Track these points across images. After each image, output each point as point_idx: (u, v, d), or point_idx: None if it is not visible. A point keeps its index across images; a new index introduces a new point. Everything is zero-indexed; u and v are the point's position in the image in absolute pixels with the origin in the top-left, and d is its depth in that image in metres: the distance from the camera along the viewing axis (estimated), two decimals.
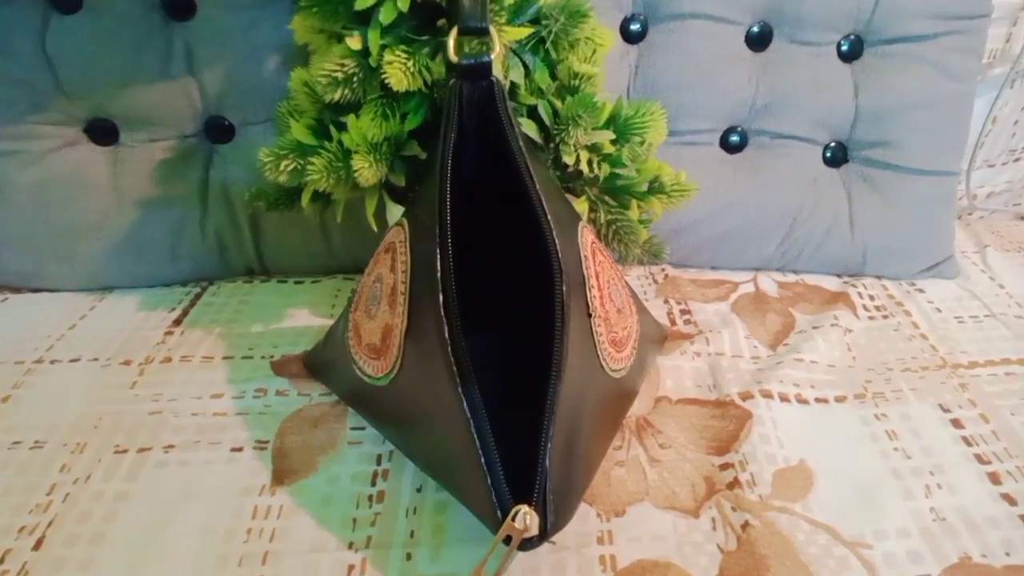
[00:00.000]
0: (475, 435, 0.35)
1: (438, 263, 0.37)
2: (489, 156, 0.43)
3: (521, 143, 0.41)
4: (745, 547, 0.42)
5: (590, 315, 0.41)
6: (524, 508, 0.34)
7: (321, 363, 0.54)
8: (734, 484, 0.46)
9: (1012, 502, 0.46)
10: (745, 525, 0.44)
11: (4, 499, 0.45)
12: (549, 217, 0.39)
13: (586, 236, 0.45)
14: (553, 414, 0.36)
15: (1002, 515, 0.45)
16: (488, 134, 0.42)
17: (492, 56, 0.42)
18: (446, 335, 0.36)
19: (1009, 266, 0.74)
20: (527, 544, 0.35)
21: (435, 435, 0.42)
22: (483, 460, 0.35)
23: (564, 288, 0.38)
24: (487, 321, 0.42)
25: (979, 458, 0.50)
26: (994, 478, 0.48)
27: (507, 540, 0.34)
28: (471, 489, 0.39)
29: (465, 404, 0.36)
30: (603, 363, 0.43)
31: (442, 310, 0.37)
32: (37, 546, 0.42)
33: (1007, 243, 0.80)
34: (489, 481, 0.35)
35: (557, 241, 0.38)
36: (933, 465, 0.49)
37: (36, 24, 0.60)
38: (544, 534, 0.35)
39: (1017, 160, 0.87)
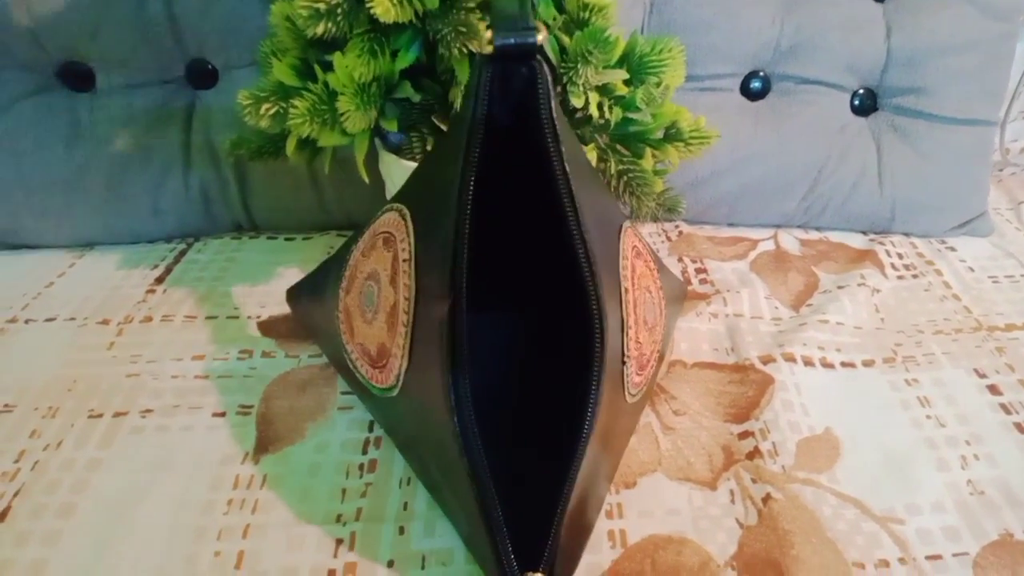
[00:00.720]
0: (481, 509, 0.32)
1: (445, 335, 0.31)
2: (520, 155, 0.33)
3: (565, 159, 0.31)
4: (767, 522, 0.39)
5: (624, 362, 0.36)
6: None
7: (309, 319, 0.50)
8: (754, 454, 0.43)
9: None
10: (767, 498, 0.40)
11: None
12: (595, 267, 0.31)
13: (627, 248, 0.38)
14: (573, 485, 0.32)
15: None
16: (522, 133, 0.32)
17: (540, 37, 0.30)
18: (455, 416, 0.31)
19: None
20: None
21: (428, 459, 0.39)
22: (489, 538, 0.32)
23: (602, 354, 0.32)
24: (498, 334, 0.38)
25: (1019, 427, 0.46)
26: None
27: None
28: (467, 527, 0.36)
29: (472, 480, 0.31)
30: (627, 396, 0.38)
31: (451, 392, 0.31)
32: (2, 517, 0.39)
33: None
34: (493, 549, 0.32)
35: (602, 301, 0.31)
36: (969, 434, 0.45)
37: None
38: None
39: None
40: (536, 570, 0.31)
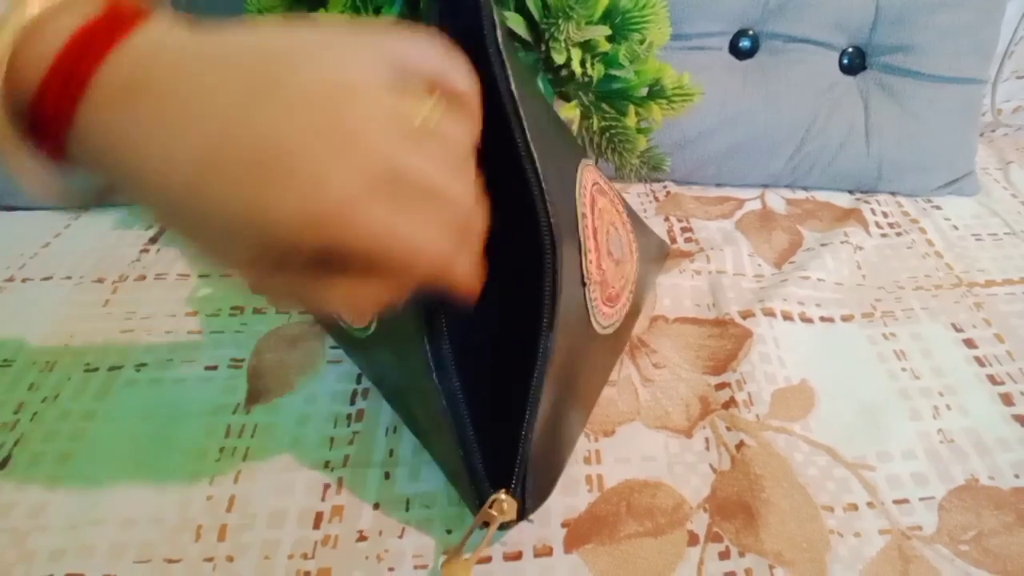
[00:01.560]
0: (453, 425, 0.33)
1: None
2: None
3: (511, 81, 0.32)
4: (739, 467, 0.40)
5: (584, 284, 0.37)
6: (502, 495, 0.33)
7: None
8: (730, 404, 0.44)
9: None
10: (740, 445, 0.41)
11: None
12: (542, 181, 0.32)
13: (586, 180, 0.40)
14: (537, 403, 0.33)
15: (1013, 437, 0.43)
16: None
17: None
18: (421, 329, 0.33)
19: None
20: (504, 526, 0.34)
21: (413, 405, 0.40)
22: (461, 453, 0.33)
23: (555, 267, 0.32)
24: None
25: (992, 379, 0.47)
26: (1007, 399, 0.45)
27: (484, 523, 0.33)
28: (451, 464, 0.37)
29: (443, 397, 0.33)
30: (595, 325, 0.39)
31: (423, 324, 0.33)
32: (3, 465, 0.40)
33: None
34: (467, 471, 0.34)
35: (550, 210, 0.32)
36: (943, 386, 0.46)
37: None
38: (522, 515, 0.34)
39: None
40: (507, 489, 0.33)
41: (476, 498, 0.34)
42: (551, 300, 0.32)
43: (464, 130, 0.25)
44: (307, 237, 0.21)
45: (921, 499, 0.40)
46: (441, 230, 0.23)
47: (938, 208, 0.65)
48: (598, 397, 0.44)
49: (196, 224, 0.23)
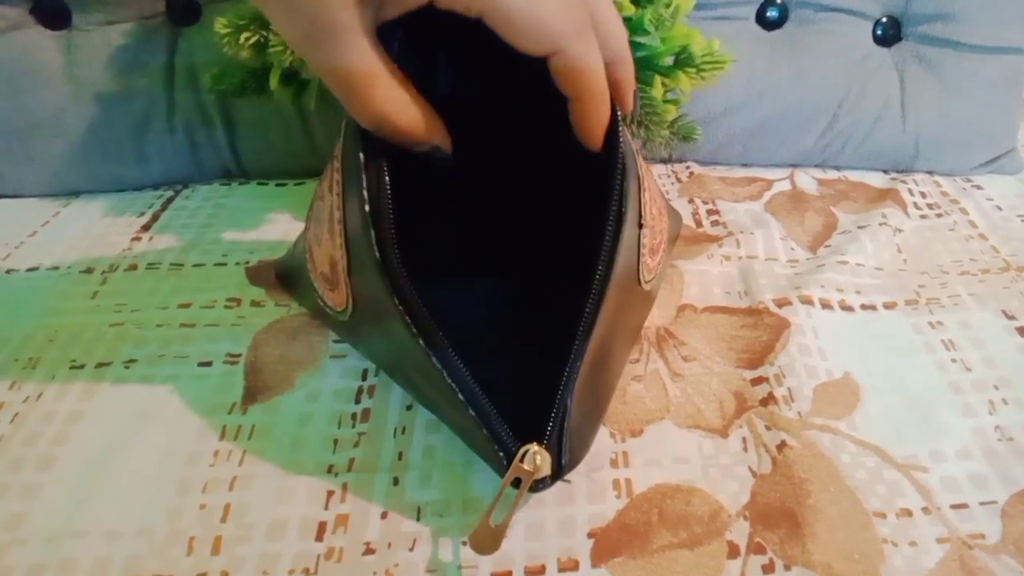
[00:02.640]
0: (456, 388, 0.30)
1: (364, 186, 0.29)
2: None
3: None
4: (781, 470, 0.37)
5: (641, 225, 0.34)
6: (533, 447, 0.29)
7: (289, 279, 0.48)
8: (768, 400, 0.41)
9: None
10: (781, 446, 0.38)
11: None
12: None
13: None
14: (585, 346, 0.30)
15: None
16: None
17: None
18: (390, 286, 0.29)
19: None
20: (539, 485, 0.30)
21: (413, 379, 0.37)
22: (471, 411, 0.30)
23: (624, 187, 0.30)
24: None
25: None
26: None
27: (516, 483, 0.30)
28: (469, 432, 0.34)
29: (435, 359, 0.30)
30: (641, 278, 0.37)
31: (377, 252, 0.29)
32: None
33: None
34: (484, 429, 0.30)
35: (623, 139, 0.31)
36: (998, 378, 0.43)
37: None
38: (557, 474, 0.30)
39: None
40: (540, 442, 0.30)
41: (504, 454, 0.30)
42: (616, 223, 0.30)
43: None
44: None
45: (981, 504, 0.36)
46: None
47: (979, 188, 0.61)
48: (628, 356, 0.41)
49: None
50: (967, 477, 0.37)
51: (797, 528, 0.34)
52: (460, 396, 0.30)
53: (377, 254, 0.29)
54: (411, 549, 0.34)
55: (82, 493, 0.36)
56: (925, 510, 0.36)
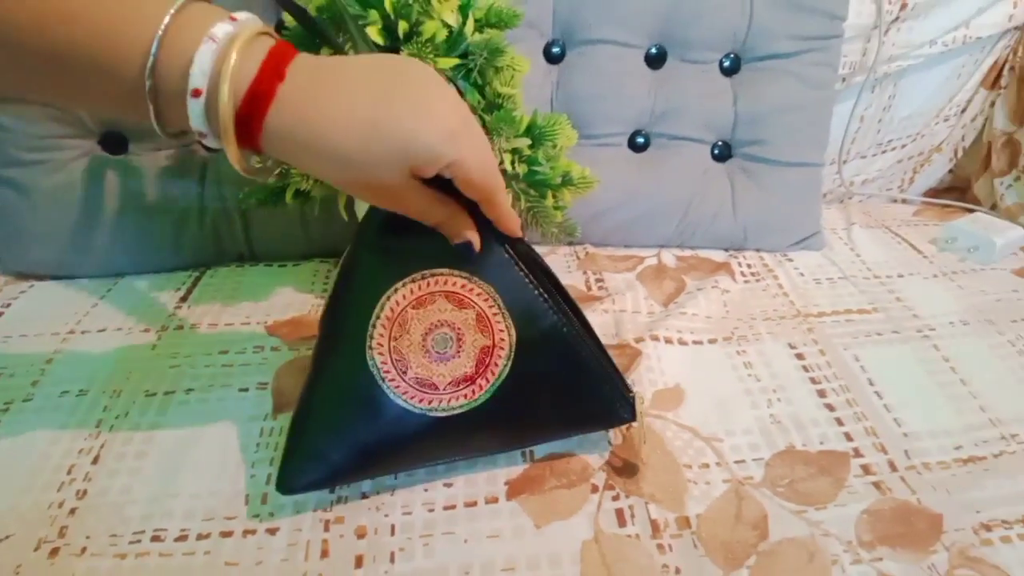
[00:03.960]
0: (591, 350, 0.52)
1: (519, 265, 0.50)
2: None
3: None
4: (628, 442, 0.58)
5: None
6: (637, 394, 0.54)
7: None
8: None
9: (831, 409, 0.62)
10: (628, 427, 0.59)
11: (63, 432, 0.58)
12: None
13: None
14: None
15: (822, 418, 0.61)
16: None
17: None
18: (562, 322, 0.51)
19: (868, 239, 0.91)
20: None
21: (546, 388, 0.52)
22: (606, 386, 0.53)
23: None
24: None
25: (813, 380, 0.66)
26: (821, 393, 0.64)
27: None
28: (595, 400, 0.53)
29: (576, 333, 0.51)
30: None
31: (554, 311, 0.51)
32: (95, 461, 0.55)
33: (872, 221, 0.97)
34: (616, 382, 0.53)
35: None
36: (777, 385, 0.65)
37: None
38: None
39: (884, 152, 1.05)
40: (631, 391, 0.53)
41: (631, 403, 0.53)
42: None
43: None
44: (441, 151, 0.40)
45: (754, 460, 0.57)
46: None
47: (791, 260, 0.85)
48: None
49: (366, 163, 0.39)
50: (747, 445, 0.59)
51: (634, 475, 0.55)
52: (595, 350, 0.52)
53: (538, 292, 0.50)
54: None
55: (170, 472, 0.54)
56: (718, 464, 0.57)
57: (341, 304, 0.51)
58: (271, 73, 0.38)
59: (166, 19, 0.36)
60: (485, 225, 0.48)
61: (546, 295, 0.50)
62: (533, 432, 0.55)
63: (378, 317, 0.49)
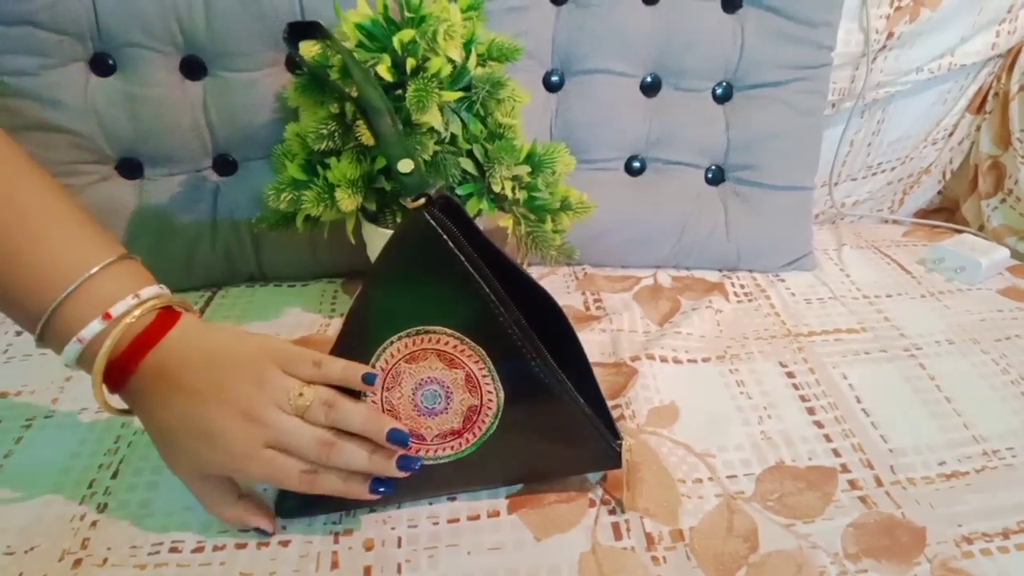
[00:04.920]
0: (581, 410, 0.52)
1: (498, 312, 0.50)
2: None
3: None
4: (624, 457, 0.60)
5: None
6: (625, 440, 0.55)
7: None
8: (620, 417, 0.64)
9: (820, 426, 0.65)
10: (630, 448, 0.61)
11: (83, 447, 0.61)
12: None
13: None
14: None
15: (811, 435, 0.64)
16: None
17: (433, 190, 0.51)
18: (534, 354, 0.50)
19: (858, 260, 0.94)
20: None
21: (534, 439, 0.53)
22: (591, 431, 0.53)
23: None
24: None
25: (803, 398, 0.68)
26: (810, 411, 0.67)
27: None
28: (582, 449, 0.55)
29: (563, 389, 0.51)
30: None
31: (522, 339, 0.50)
32: (115, 476, 0.58)
33: (863, 242, 1.00)
34: (599, 440, 0.54)
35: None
36: (768, 403, 0.67)
37: (81, 84, 0.76)
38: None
39: (874, 174, 1.08)
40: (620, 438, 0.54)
41: (617, 448, 0.54)
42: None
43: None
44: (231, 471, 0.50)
45: (745, 475, 0.60)
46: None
47: (782, 280, 0.88)
48: None
49: (181, 459, 0.51)
50: (739, 460, 0.61)
51: (631, 490, 0.57)
52: (586, 410, 0.52)
53: (531, 357, 0.50)
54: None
55: (184, 491, 0.57)
56: (710, 479, 0.59)
57: (342, 349, 0.52)
58: (136, 352, 0.49)
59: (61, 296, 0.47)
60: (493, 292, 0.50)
61: (538, 359, 0.51)
62: (520, 476, 0.57)
63: (374, 366, 0.51)
